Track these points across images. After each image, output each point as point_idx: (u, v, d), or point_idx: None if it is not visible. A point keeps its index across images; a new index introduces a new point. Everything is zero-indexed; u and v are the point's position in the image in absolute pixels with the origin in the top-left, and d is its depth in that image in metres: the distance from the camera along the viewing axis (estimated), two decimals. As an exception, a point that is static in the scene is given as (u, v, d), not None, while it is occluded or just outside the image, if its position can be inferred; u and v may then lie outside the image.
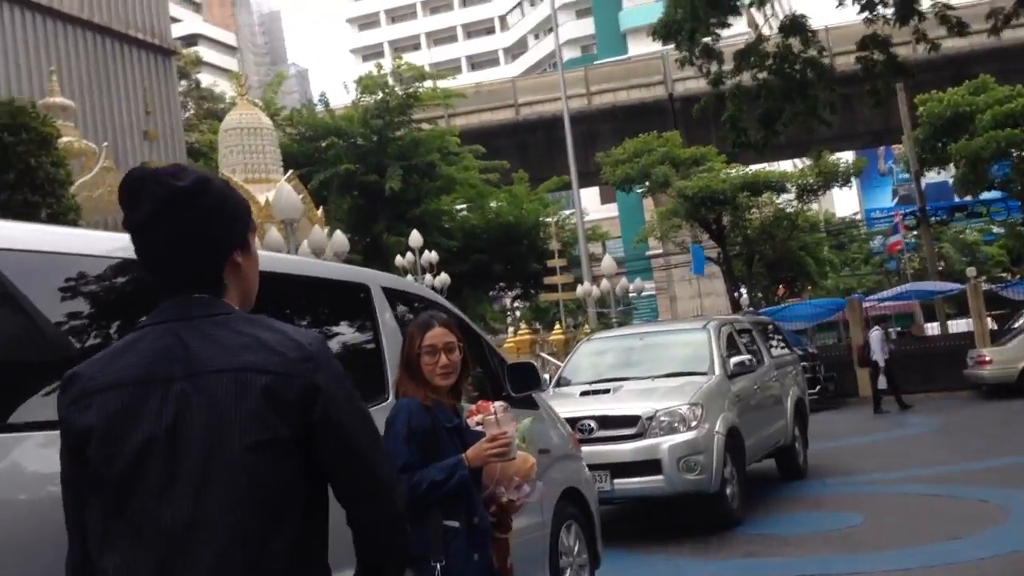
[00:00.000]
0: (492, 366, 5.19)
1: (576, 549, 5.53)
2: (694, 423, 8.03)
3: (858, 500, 9.16)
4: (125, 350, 1.73)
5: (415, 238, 19.59)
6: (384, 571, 1.86)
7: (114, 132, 16.43)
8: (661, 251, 40.59)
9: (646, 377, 8.99)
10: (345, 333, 4.35)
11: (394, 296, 4.52)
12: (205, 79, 41.54)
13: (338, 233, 11.06)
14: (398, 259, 20.45)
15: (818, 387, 19.88)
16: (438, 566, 3.09)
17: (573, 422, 8.10)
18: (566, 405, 8.19)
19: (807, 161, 29.56)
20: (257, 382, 1.65)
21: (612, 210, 55.15)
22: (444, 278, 20.05)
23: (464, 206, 31.31)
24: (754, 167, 29.08)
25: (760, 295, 31.39)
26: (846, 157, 30.75)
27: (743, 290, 30.45)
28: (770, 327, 12.18)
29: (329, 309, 4.15)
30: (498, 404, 3.40)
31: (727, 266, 29.91)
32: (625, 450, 7.88)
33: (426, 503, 3.10)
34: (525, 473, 3.48)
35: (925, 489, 9.44)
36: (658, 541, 7.97)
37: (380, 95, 27.99)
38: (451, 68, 59.88)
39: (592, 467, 7.66)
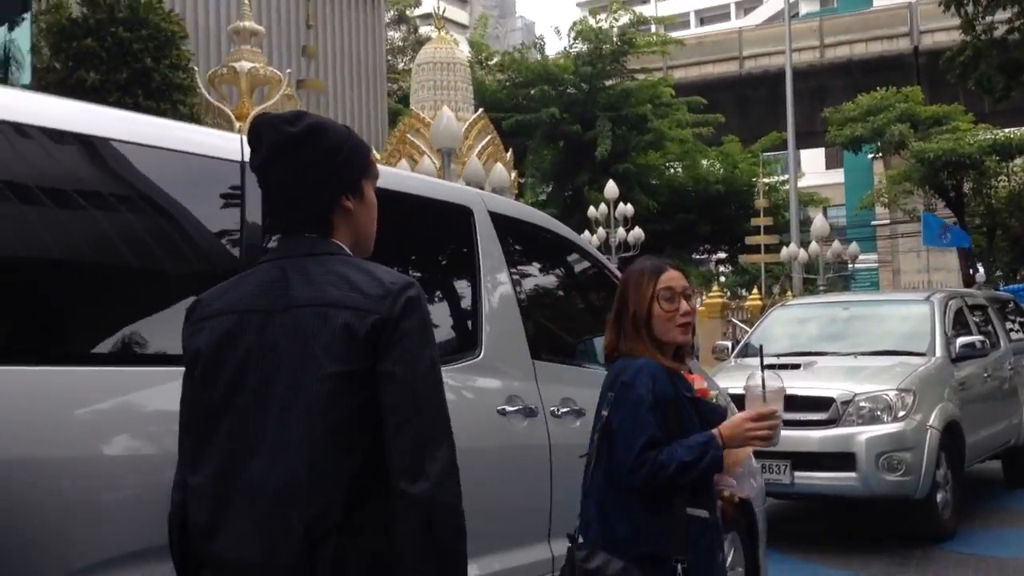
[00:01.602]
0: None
1: (730, 560, 4.48)
2: (902, 413, 6.67)
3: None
4: (240, 281, 1.86)
5: (611, 189, 18.53)
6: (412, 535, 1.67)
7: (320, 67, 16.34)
8: (887, 220, 37.51)
9: (849, 354, 7.63)
10: (431, 267, 3.51)
11: (508, 225, 3.61)
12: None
13: (499, 166, 10.25)
14: (591, 211, 19.47)
15: None
16: (679, 567, 2.53)
17: (738, 400, 6.95)
18: (743, 380, 7.05)
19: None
20: (336, 317, 1.71)
21: (838, 176, 51.55)
22: (638, 233, 18.89)
23: (674, 165, 29.85)
24: (1008, 130, 25.92)
25: (999, 273, 28.16)
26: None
27: (979, 267, 27.39)
28: (1010, 306, 10.33)
29: (412, 234, 3.28)
30: (769, 373, 2.73)
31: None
32: (812, 438, 6.64)
33: (671, 489, 2.56)
34: (736, 462, 2.82)
35: None
36: (843, 551, 6.71)
37: (593, 40, 26.92)
38: (680, 23, 57.66)
39: (768, 455, 6.56)
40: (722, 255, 31.08)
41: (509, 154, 14.27)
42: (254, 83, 11.33)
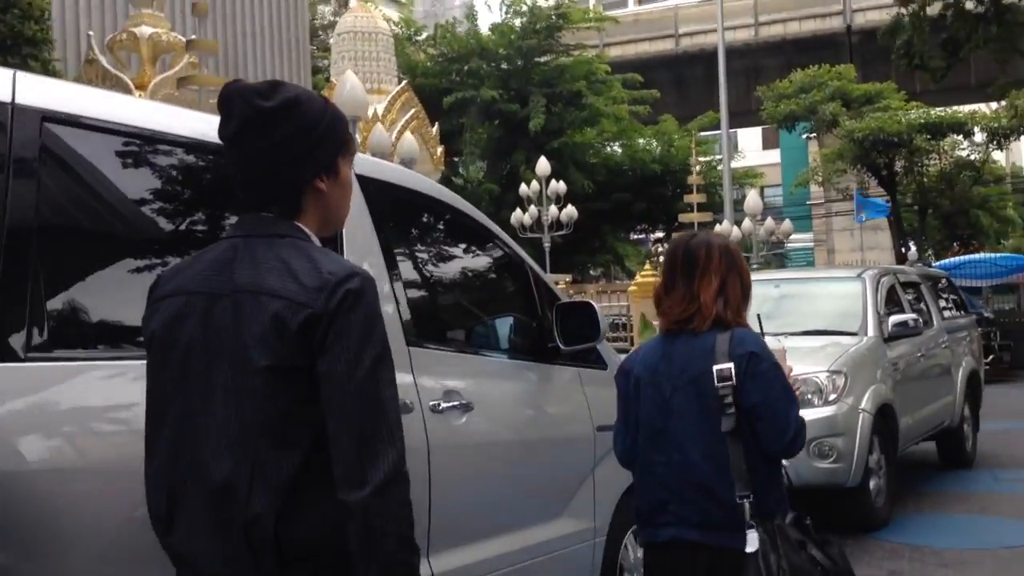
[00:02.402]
0: (539, 307, 3.73)
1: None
2: (833, 396, 6.33)
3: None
4: (195, 260, 1.78)
5: (542, 166, 18.07)
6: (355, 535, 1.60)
7: (234, 34, 15.56)
8: (822, 199, 37.71)
9: (779, 334, 7.25)
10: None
11: (383, 193, 3.10)
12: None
13: (408, 136, 9.72)
14: (522, 188, 19.00)
15: (991, 356, 18.03)
16: (808, 521, 2.57)
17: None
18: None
19: (999, 105, 26.16)
20: (269, 306, 1.64)
21: (774, 156, 51.86)
22: (571, 211, 18.47)
23: (611, 144, 29.51)
24: (937, 109, 26.01)
25: (930, 252, 28.39)
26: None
27: (912, 245, 27.57)
28: (943, 283, 10.12)
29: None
30: (769, 338, 2.92)
31: (896, 217, 27.10)
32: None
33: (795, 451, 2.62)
34: None
35: None
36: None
37: (527, 15, 26.39)
38: (617, 2, 57.21)
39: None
40: (660, 234, 30.89)
41: (435, 128, 13.72)
42: (157, 50, 10.60)
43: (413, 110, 13.07)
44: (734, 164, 35.41)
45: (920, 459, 8.88)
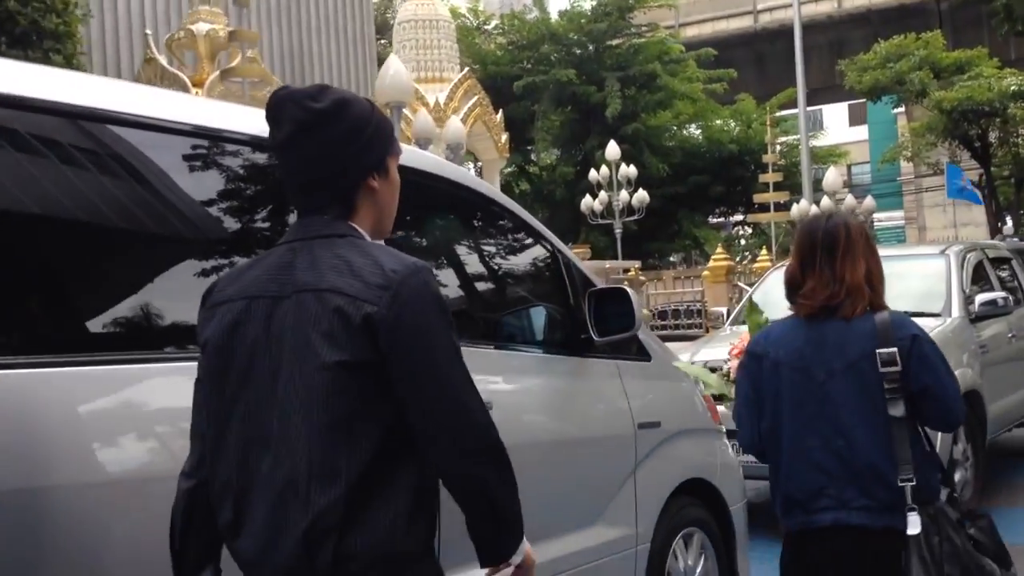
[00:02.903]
0: (571, 296, 3.45)
1: (701, 572, 3.75)
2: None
3: None
4: (252, 265, 1.79)
5: (612, 151, 17.64)
6: (475, 512, 1.71)
7: (299, 29, 15.55)
8: (912, 176, 36.35)
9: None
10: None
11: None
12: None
13: (453, 119, 9.44)
14: (592, 174, 18.60)
15: None
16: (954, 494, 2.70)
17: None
18: (726, 350, 6.31)
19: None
20: (332, 303, 1.64)
21: (862, 133, 50.19)
22: (642, 196, 18.01)
23: (686, 126, 28.86)
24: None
25: (1030, 226, 27.01)
26: None
27: (1008, 221, 26.28)
28: (1037, 258, 9.45)
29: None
30: None
31: (990, 191, 25.85)
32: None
33: None
34: None
35: None
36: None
37: (596, -1, 25.97)
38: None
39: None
40: (739, 217, 30.16)
41: (500, 116, 13.46)
42: (214, 47, 10.58)
43: (476, 97, 12.84)
44: (818, 143, 34.44)
45: (1016, 447, 8.29)
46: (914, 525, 2.43)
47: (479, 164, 17.26)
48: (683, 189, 27.86)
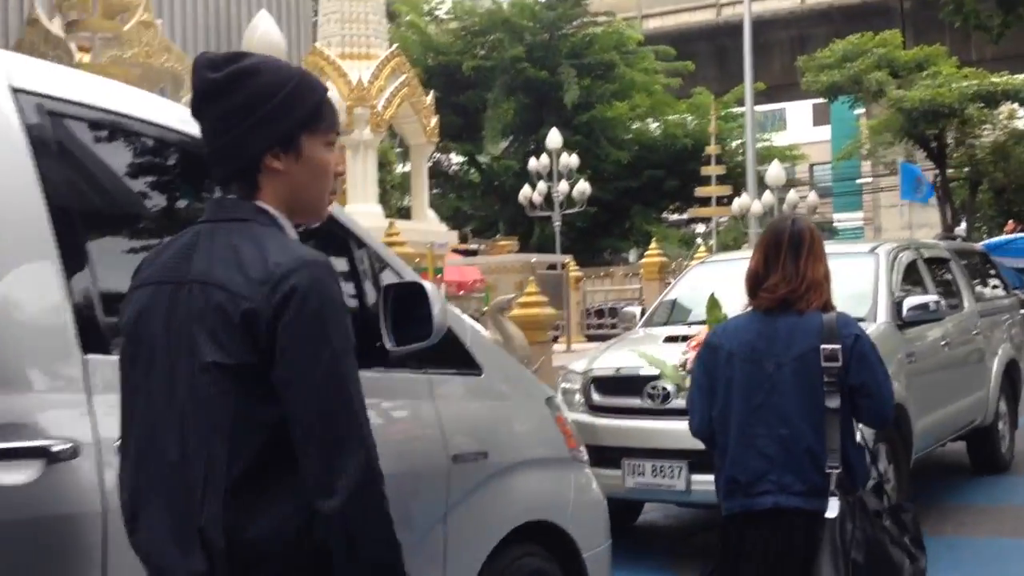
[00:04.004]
0: (365, 293, 2.74)
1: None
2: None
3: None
4: (166, 247, 1.71)
5: (553, 139, 16.96)
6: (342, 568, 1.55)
7: None
8: (871, 177, 36.11)
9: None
10: None
11: (67, 124, 2.15)
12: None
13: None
14: (531, 162, 17.89)
15: None
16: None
17: (643, 381, 5.54)
18: (632, 356, 5.64)
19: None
20: (214, 299, 1.56)
21: (825, 133, 50.00)
22: (583, 187, 17.34)
23: (644, 120, 28.28)
24: (993, 77, 24.37)
25: (983, 227, 26.79)
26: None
27: (963, 222, 26.02)
28: (978, 259, 8.90)
29: None
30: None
31: (945, 192, 25.56)
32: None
33: None
34: None
35: None
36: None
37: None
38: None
39: (659, 455, 5.19)
40: (683, 216, 29.69)
41: (430, 98, 12.72)
42: (111, 10, 9.72)
43: (404, 76, 12.08)
44: (779, 141, 34.03)
45: (950, 462, 7.74)
46: (832, 509, 2.59)
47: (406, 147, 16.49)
48: (637, 184, 27.33)
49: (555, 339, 13.53)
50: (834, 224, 21.47)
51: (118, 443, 1.73)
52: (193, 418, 1.56)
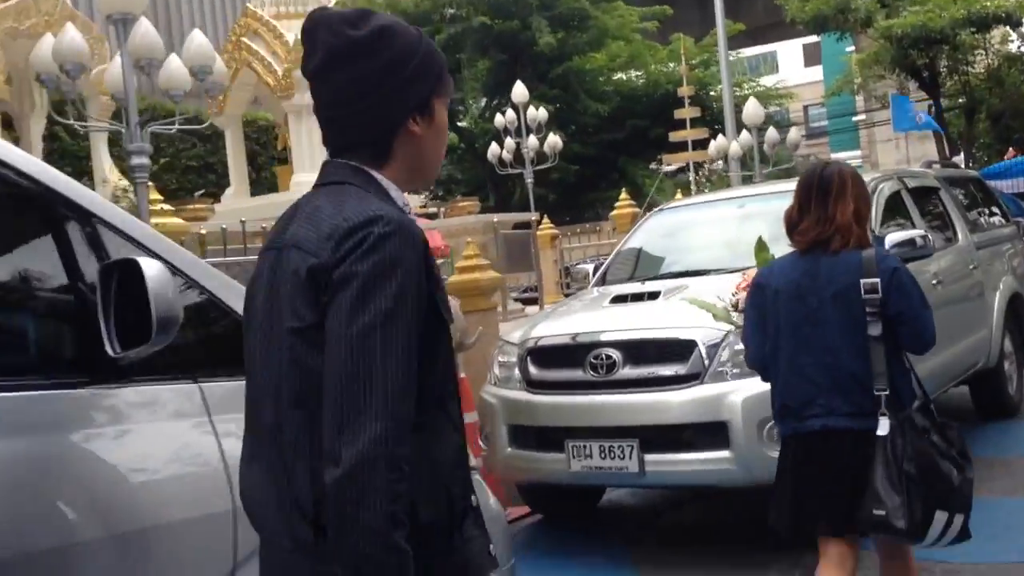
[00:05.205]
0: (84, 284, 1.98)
1: None
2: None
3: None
4: (287, 211, 1.65)
5: (518, 92, 16.08)
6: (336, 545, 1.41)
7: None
8: (864, 113, 35.09)
9: (735, 270, 5.44)
10: None
11: None
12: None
13: (196, 33, 7.90)
14: (497, 118, 17.02)
15: None
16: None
17: (584, 350, 4.78)
18: (576, 320, 4.92)
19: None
20: (293, 261, 1.51)
21: (818, 73, 48.91)
22: (553, 141, 16.46)
23: (624, 69, 27.32)
24: (985, 2, 23.31)
25: (983, 156, 25.86)
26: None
27: (960, 153, 25.08)
28: (973, 185, 8.08)
29: None
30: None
31: (940, 122, 24.59)
32: (667, 404, 4.50)
33: None
34: None
35: None
36: (727, 555, 4.63)
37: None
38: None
39: (609, 435, 4.49)
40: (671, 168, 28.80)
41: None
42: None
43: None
44: (769, 83, 33.01)
45: (953, 409, 6.99)
46: (883, 428, 2.85)
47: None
48: (622, 135, 26.44)
49: (529, 301, 12.83)
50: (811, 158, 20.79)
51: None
52: (284, 384, 1.50)
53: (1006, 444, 6.33)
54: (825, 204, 2.99)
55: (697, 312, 4.53)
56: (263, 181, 15.56)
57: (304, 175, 10.65)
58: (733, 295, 4.48)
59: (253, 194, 13.02)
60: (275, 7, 11.07)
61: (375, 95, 1.55)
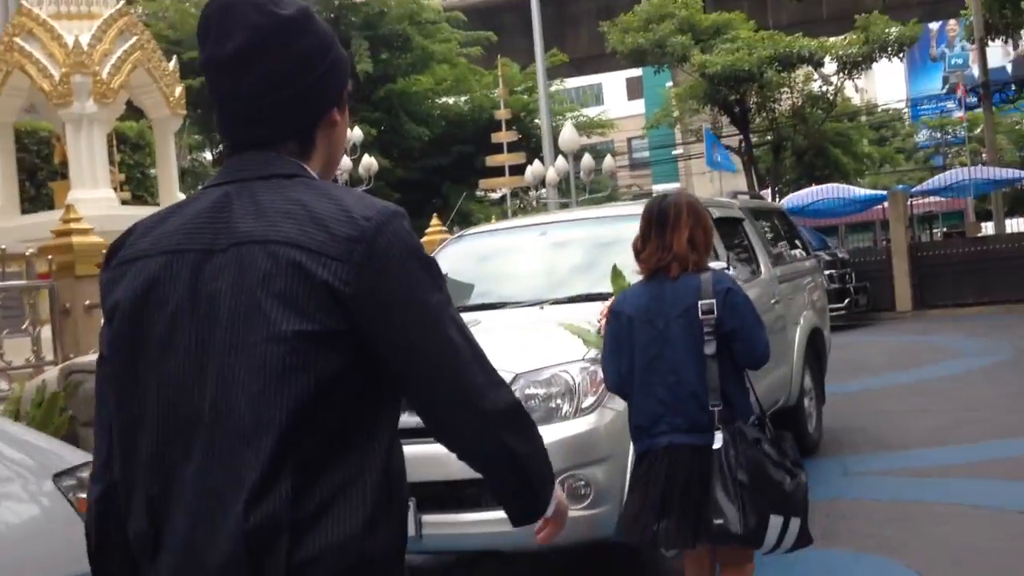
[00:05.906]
0: None
1: None
2: (590, 400, 4.09)
3: (906, 516, 5.33)
4: (171, 213, 1.49)
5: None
6: (498, 479, 1.54)
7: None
8: (681, 143, 36.27)
9: (535, 303, 5.03)
10: None
11: None
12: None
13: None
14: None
15: (847, 300, 16.94)
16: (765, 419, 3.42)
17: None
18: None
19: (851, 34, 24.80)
20: (288, 258, 1.34)
21: (640, 107, 50.45)
22: (369, 162, 15.97)
23: (449, 94, 27.04)
24: (787, 39, 24.49)
25: (788, 192, 27.09)
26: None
27: (768, 189, 26.19)
28: (776, 218, 8.08)
29: None
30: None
31: (750, 158, 25.62)
32: (447, 457, 4.02)
33: None
34: None
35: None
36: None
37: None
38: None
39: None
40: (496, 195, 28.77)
41: (173, 64, 10.96)
42: None
43: (135, 39, 10.27)
44: (593, 113, 33.60)
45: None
46: (717, 441, 3.09)
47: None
48: (447, 160, 26.13)
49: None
50: (653, 195, 21.32)
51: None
52: (251, 403, 1.31)
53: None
54: (663, 233, 3.24)
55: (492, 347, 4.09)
56: (43, 198, 14.25)
57: (83, 191, 9.63)
58: (597, 321, 4.31)
59: (30, 211, 11.81)
60: (55, 6, 10.05)
61: (309, 79, 1.43)
